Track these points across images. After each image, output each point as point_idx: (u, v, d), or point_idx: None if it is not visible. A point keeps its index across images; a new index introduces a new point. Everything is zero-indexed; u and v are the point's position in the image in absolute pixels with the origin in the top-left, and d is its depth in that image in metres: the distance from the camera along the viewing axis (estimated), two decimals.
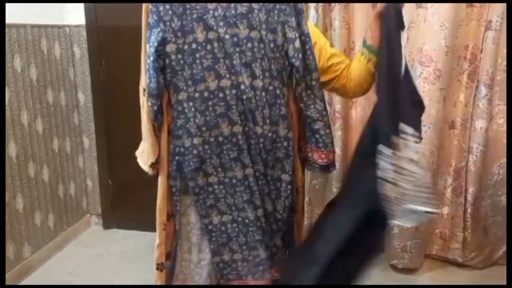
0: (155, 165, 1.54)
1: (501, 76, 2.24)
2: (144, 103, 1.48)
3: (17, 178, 2.38)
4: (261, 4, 1.40)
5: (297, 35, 1.43)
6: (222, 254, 1.59)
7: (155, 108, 1.46)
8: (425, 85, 2.25)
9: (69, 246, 2.79)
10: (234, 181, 1.53)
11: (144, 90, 1.48)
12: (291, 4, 1.42)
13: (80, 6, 2.70)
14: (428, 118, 2.27)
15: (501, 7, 2.11)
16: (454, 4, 2.15)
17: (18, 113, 2.36)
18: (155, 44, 1.40)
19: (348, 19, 2.33)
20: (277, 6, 1.41)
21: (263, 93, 1.45)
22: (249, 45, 1.41)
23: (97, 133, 2.90)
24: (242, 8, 1.39)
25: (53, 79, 2.64)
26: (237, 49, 1.41)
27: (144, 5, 1.44)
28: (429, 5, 2.18)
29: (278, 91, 1.47)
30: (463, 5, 2.19)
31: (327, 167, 1.62)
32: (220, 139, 1.48)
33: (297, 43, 1.43)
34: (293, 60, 1.44)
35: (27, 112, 2.43)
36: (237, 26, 1.40)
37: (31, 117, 2.46)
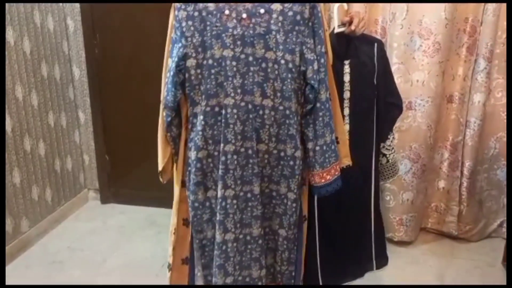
0: (162, 173, 1.63)
1: (500, 50, 2.22)
2: (160, 113, 1.58)
3: (13, 152, 2.37)
4: (279, 25, 1.44)
5: (315, 56, 1.47)
6: (216, 274, 1.63)
7: (169, 119, 1.55)
8: (424, 58, 2.22)
9: (67, 221, 2.80)
10: (235, 198, 1.57)
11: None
12: (310, 25, 1.45)
13: None
14: (426, 92, 2.26)
15: None
16: None
17: (12, 86, 2.33)
18: (176, 59, 1.46)
19: None
20: (296, 27, 1.44)
21: (272, 112, 1.51)
22: (263, 65, 1.47)
23: (92, 108, 2.88)
24: (260, 28, 1.44)
25: (47, 53, 2.60)
26: (251, 68, 1.47)
27: (170, 20, 1.50)
28: None
29: (288, 111, 1.51)
30: None
31: (318, 188, 1.61)
32: (223, 156, 1.53)
33: (316, 65, 1.47)
34: (312, 81, 1.48)
35: (22, 86, 2.40)
36: (254, 46, 1.45)
37: (25, 91, 2.43)
